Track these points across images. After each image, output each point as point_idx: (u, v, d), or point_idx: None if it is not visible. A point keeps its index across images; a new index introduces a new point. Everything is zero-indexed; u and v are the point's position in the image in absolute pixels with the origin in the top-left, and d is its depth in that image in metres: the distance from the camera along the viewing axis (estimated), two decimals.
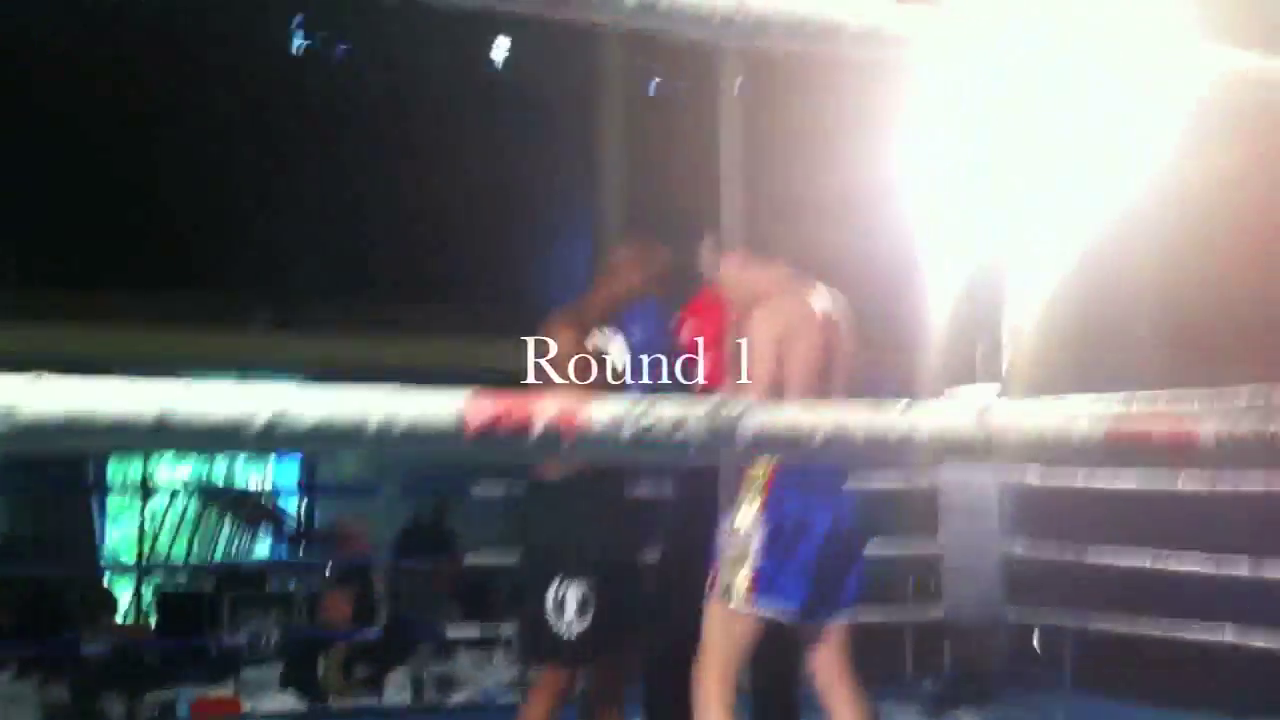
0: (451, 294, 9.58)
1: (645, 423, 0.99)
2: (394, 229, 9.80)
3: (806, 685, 3.51)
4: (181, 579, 9.45)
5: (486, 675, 6.91)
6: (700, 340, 3.43)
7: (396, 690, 6.97)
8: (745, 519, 3.27)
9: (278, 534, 10.39)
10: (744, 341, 3.30)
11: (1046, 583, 6.62)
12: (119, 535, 10.28)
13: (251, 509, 10.48)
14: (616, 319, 3.54)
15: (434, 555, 8.26)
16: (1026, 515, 6.46)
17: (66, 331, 8.11)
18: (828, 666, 3.37)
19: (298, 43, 10.34)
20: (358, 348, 8.61)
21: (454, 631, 6.93)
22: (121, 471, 10.27)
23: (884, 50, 1.22)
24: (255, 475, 10.93)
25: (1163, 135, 5.69)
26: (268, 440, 0.90)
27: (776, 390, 3.27)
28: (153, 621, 8.66)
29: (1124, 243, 6.78)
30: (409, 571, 8.05)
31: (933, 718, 5.94)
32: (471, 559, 7.38)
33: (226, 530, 10.37)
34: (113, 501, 10.30)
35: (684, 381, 3.43)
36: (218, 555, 10.12)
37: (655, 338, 3.45)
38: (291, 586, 8.83)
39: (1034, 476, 6.20)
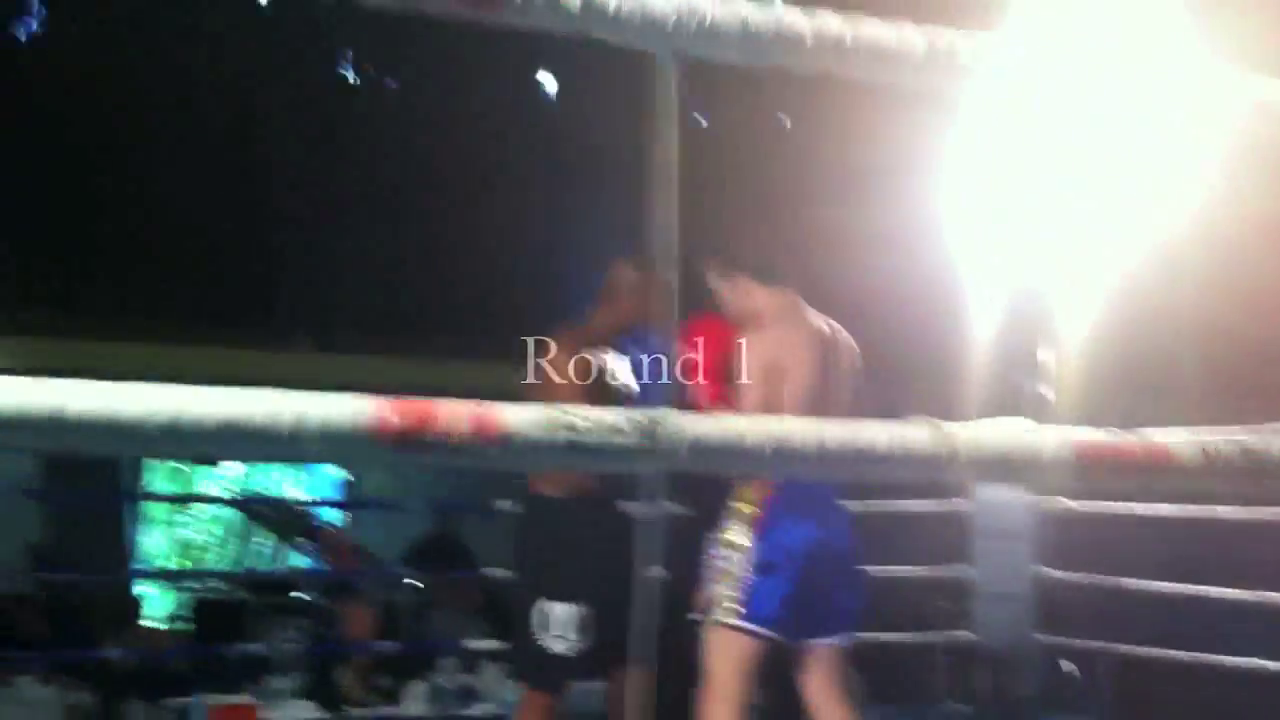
0: (489, 320, 9.57)
1: (578, 429, 0.94)
2: (435, 256, 9.81)
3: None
4: (210, 587, 9.46)
5: (508, 688, 6.86)
6: (700, 363, 3.37)
7: (416, 702, 6.95)
8: (737, 535, 3.24)
9: (310, 546, 10.40)
10: (742, 363, 3.26)
11: (1081, 609, 6.52)
12: (150, 543, 10.33)
13: (285, 521, 10.51)
14: (619, 341, 3.48)
15: (448, 569, 8.26)
16: (1062, 541, 6.36)
17: (107, 352, 8.16)
18: (821, 688, 3.32)
19: (348, 76, 10.41)
20: (398, 371, 8.62)
21: (475, 644, 6.88)
22: (155, 480, 10.34)
23: (934, 78, 1.16)
24: (292, 487, 10.97)
25: (1207, 166, 5.60)
26: (169, 440, 0.86)
27: (768, 412, 3.22)
28: (179, 628, 8.69)
29: (1169, 278, 6.69)
30: (424, 585, 8.04)
31: None
32: (492, 573, 7.33)
33: (257, 540, 10.40)
34: (145, 510, 10.36)
35: (686, 404, 3.37)
36: (246, 564, 10.15)
37: (656, 361, 3.40)
38: (317, 598, 8.83)
39: (1071, 501, 6.11)
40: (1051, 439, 1.08)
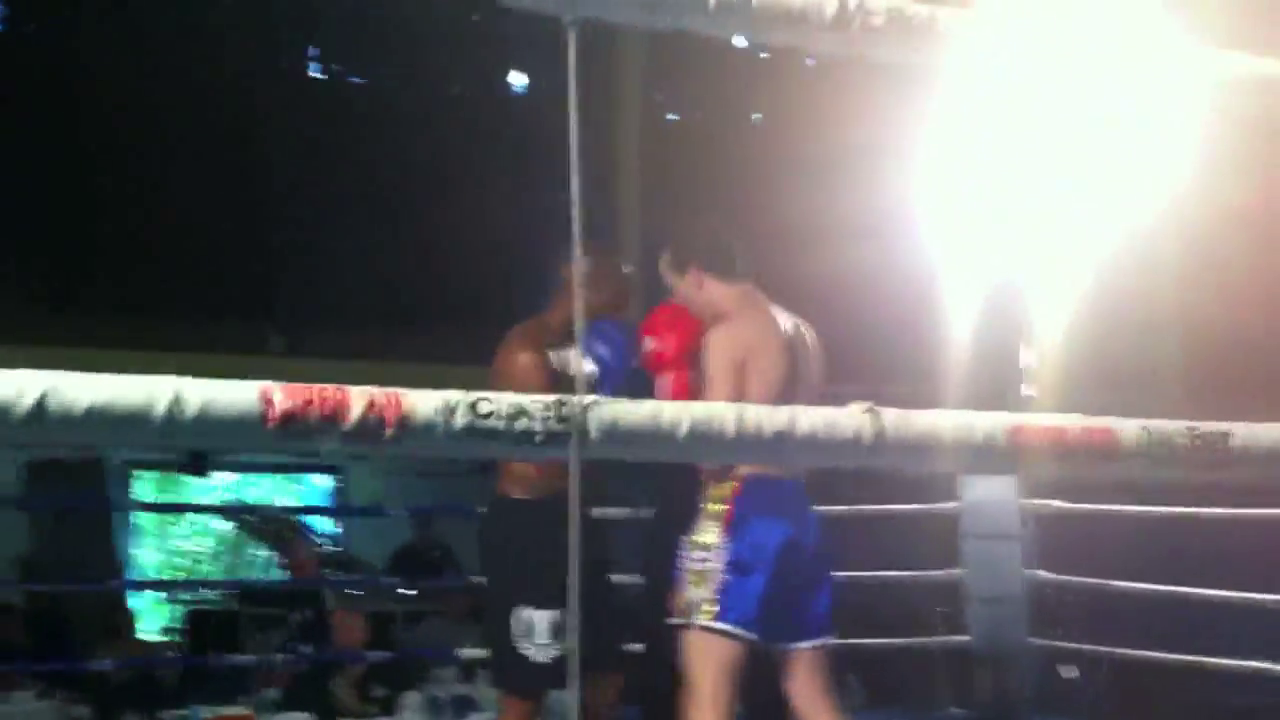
0: (463, 319, 9.51)
1: (480, 412, 0.90)
2: (408, 254, 9.74)
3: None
4: (203, 598, 9.42)
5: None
6: (665, 356, 3.31)
7: (412, 712, 6.89)
8: (708, 536, 3.19)
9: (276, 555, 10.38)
10: (706, 361, 3.21)
11: (1073, 610, 6.47)
12: (141, 555, 10.28)
13: (277, 530, 10.47)
14: (578, 337, 3.39)
15: (430, 576, 8.24)
16: (1052, 542, 6.31)
17: (81, 356, 8.07)
18: (805, 692, 3.27)
19: (313, 71, 10.35)
20: (371, 373, 8.52)
21: (469, 653, 6.81)
22: (147, 490, 10.30)
23: (909, 49, 1.12)
24: (284, 497, 10.94)
25: (1183, 156, 5.56)
26: (39, 423, 0.82)
27: (736, 394, 3.18)
28: (174, 639, 8.65)
29: (1148, 272, 6.64)
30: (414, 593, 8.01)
31: None
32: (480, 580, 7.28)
33: (251, 550, 10.36)
34: (136, 521, 10.32)
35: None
36: (240, 575, 10.11)
37: (619, 355, 3.33)
38: (310, 608, 8.79)
39: (1060, 502, 6.06)
40: (984, 422, 1.03)
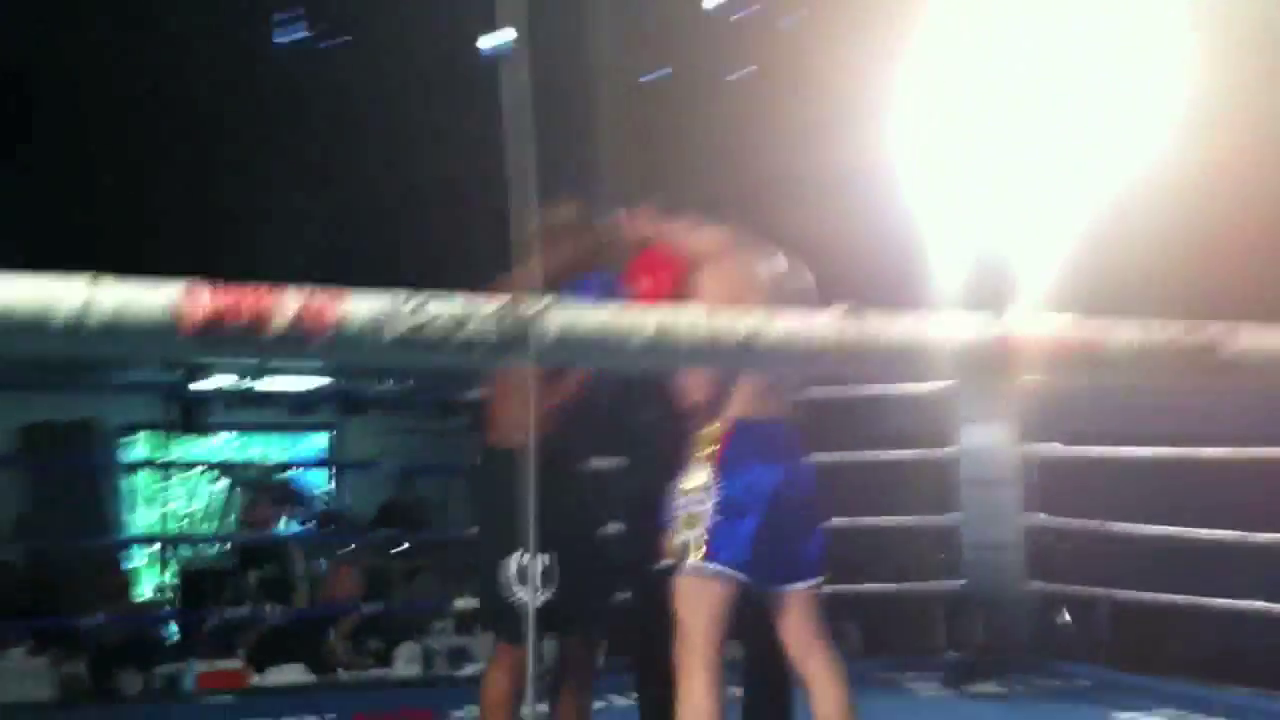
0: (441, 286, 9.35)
1: (418, 320, 0.83)
2: (381, 221, 9.62)
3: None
4: (199, 554, 9.39)
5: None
6: (648, 298, 3.23)
7: (407, 663, 6.88)
8: (697, 480, 3.14)
9: (298, 511, 10.36)
10: (698, 301, 3.14)
11: (1071, 555, 6.43)
12: (138, 511, 10.26)
13: (272, 487, 10.46)
14: (559, 290, 3.32)
15: (413, 530, 8.26)
16: (1050, 487, 6.27)
17: None
18: (799, 635, 3.22)
19: (282, 36, 10.19)
20: None
21: (463, 604, 6.79)
22: (142, 448, 10.28)
23: None
24: (279, 453, 10.91)
25: (1164, 116, 5.48)
26: None
27: None
28: (168, 597, 8.64)
29: (1128, 233, 6.56)
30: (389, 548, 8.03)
31: (954, 688, 5.79)
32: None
33: (245, 506, 10.34)
34: (132, 478, 10.30)
35: None
36: (234, 531, 10.10)
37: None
38: (307, 563, 8.78)
39: (1058, 448, 6.02)
40: (971, 325, 0.96)
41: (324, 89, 9.59)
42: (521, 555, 3.35)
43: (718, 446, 3.14)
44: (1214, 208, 6.00)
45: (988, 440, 6.10)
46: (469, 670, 6.78)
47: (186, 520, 10.37)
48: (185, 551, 9.47)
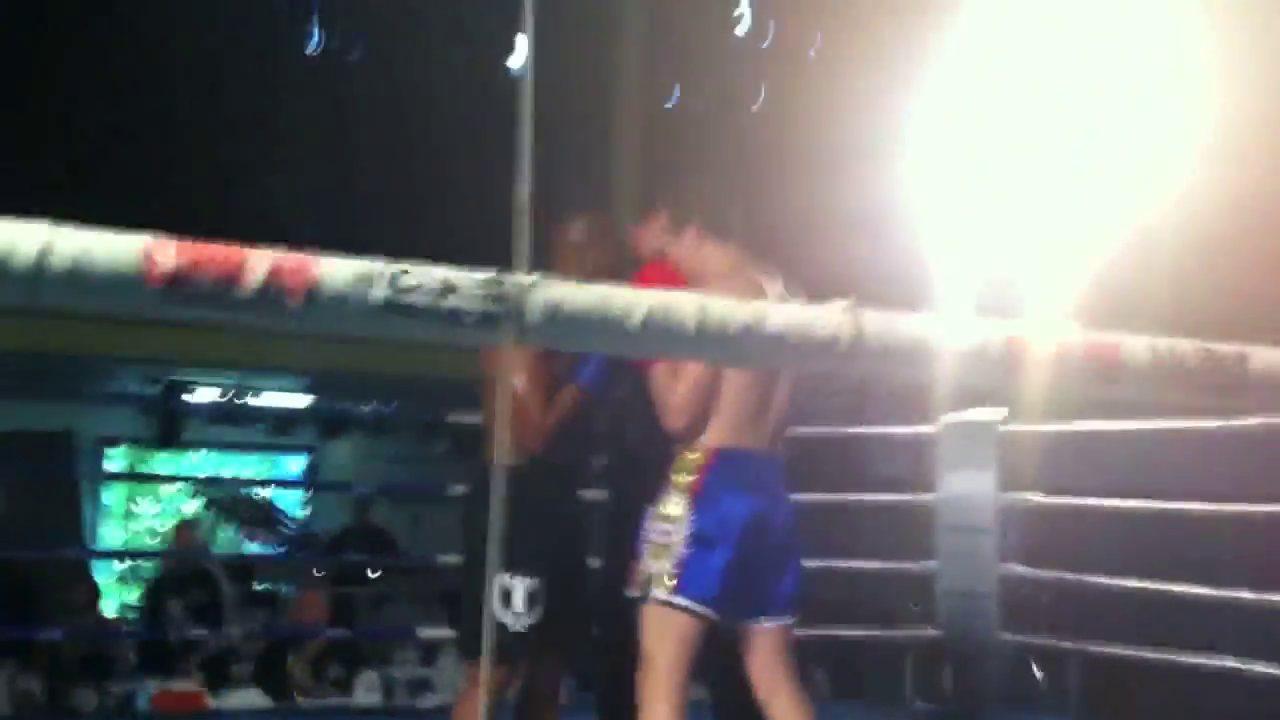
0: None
1: (402, 286, 0.78)
2: (403, 231, 9.58)
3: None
4: (167, 571, 9.26)
5: (462, 678, 6.70)
6: None
7: (368, 691, 6.78)
8: (671, 509, 3.07)
9: (270, 533, 10.28)
10: None
11: (1046, 605, 6.38)
12: (110, 525, 10.13)
13: (247, 508, 10.37)
14: None
15: (372, 554, 8.18)
16: (1028, 536, 6.22)
17: (62, 329, 7.93)
18: (767, 672, 3.14)
19: (314, 43, 10.19)
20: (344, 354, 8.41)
21: (429, 633, 6.69)
22: (117, 461, 10.17)
23: None
24: (255, 473, 10.81)
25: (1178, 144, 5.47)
26: None
27: (712, 378, 3.08)
28: (132, 612, 8.52)
29: (1138, 265, 6.54)
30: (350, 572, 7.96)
31: None
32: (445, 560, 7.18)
33: (219, 526, 10.24)
34: (104, 490, 10.18)
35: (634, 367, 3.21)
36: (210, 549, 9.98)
37: None
38: (274, 585, 8.70)
39: (1037, 496, 5.97)
40: (978, 328, 0.91)
41: (351, 97, 9.55)
42: (506, 578, 3.29)
43: (695, 475, 3.08)
44: (1234, 222, 5.96)
45: (968, 487, 6.05)
46: (430, 702, 6.70)
47: (159, 537, 10.23)
48: (150, 568, 9.35)
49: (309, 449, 10.46)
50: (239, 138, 9.28)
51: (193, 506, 10.20)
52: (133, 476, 10.25)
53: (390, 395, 9.00)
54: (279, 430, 9.54)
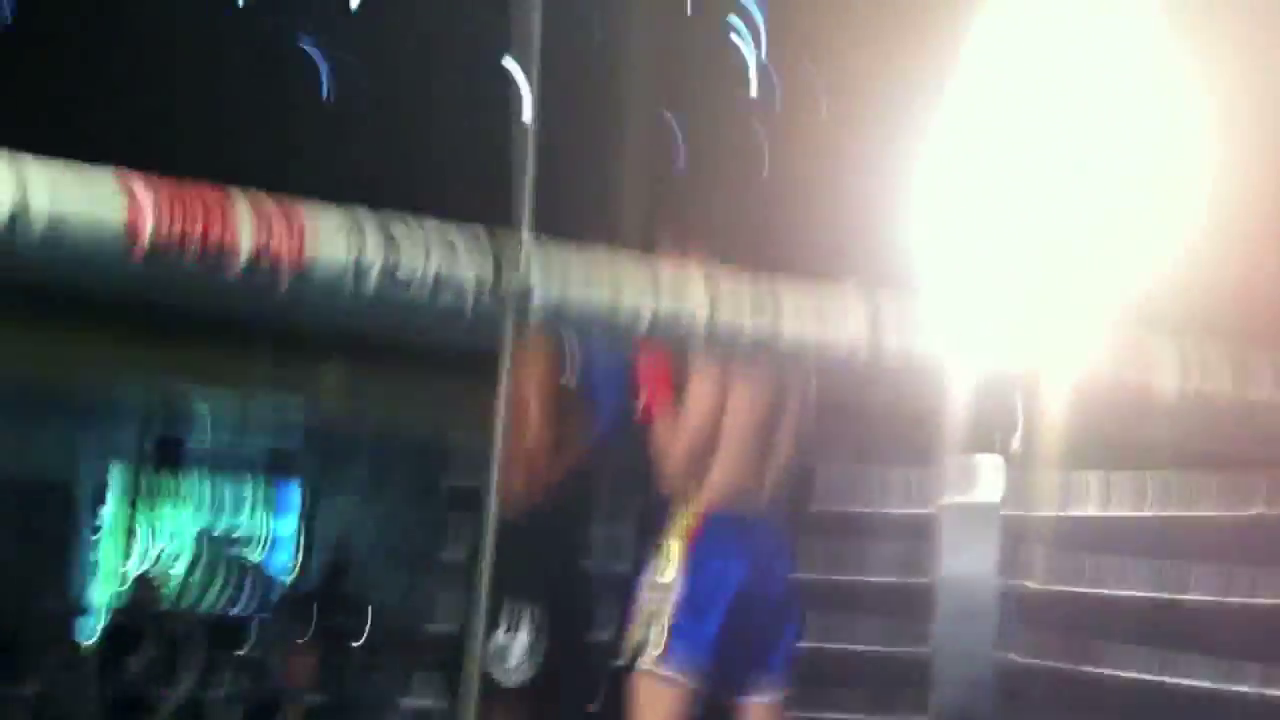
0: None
1: (399, 277, 0.74)
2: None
3: None
4: (158, 623, 9.13)
5: None
6: (651, 374, 3.15)
7: None
8: (663, 574, 3.01)
9: (262, 590, 10.18)
10: (691, 381, 3.06)
11: (1044, 692, 6.26)
12: (100, 570, 9.99)
13: (240, 565, 10.29)
14: (586, 357, 3.31)
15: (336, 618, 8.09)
16: (1026, 620, 6.13)
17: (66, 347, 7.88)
18: None
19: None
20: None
21: (414, 701, 6.57)
22: (114, 509, 10.08)
23: None
24: (251, 528, 10.69)
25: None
26: None
27: (712, 436, 3.03)
28: (122, 660, 8.38)
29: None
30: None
31: None
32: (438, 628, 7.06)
33: (211, 580, 10.14)
34: (98, 538, 10.08)
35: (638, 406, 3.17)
36: (198, 604, 9.88)
37: (619, 376, 3.20)
38: (263, 644, 8.58)
39: (1035, 581, 5.89)
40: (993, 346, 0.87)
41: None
42: (506, 621, 3.28)
43: (687, 539, 3.01)
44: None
45: (967, 569, 5.97)
46: None
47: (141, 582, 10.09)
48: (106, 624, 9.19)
49: (301, 507, 10.35)
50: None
51: (180, 564, 10.09)
52: (125, 532, 10.14)
53: (388, 456, 8.94)
54: (271, 484, 9.46)
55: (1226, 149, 4.49)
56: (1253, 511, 4.97)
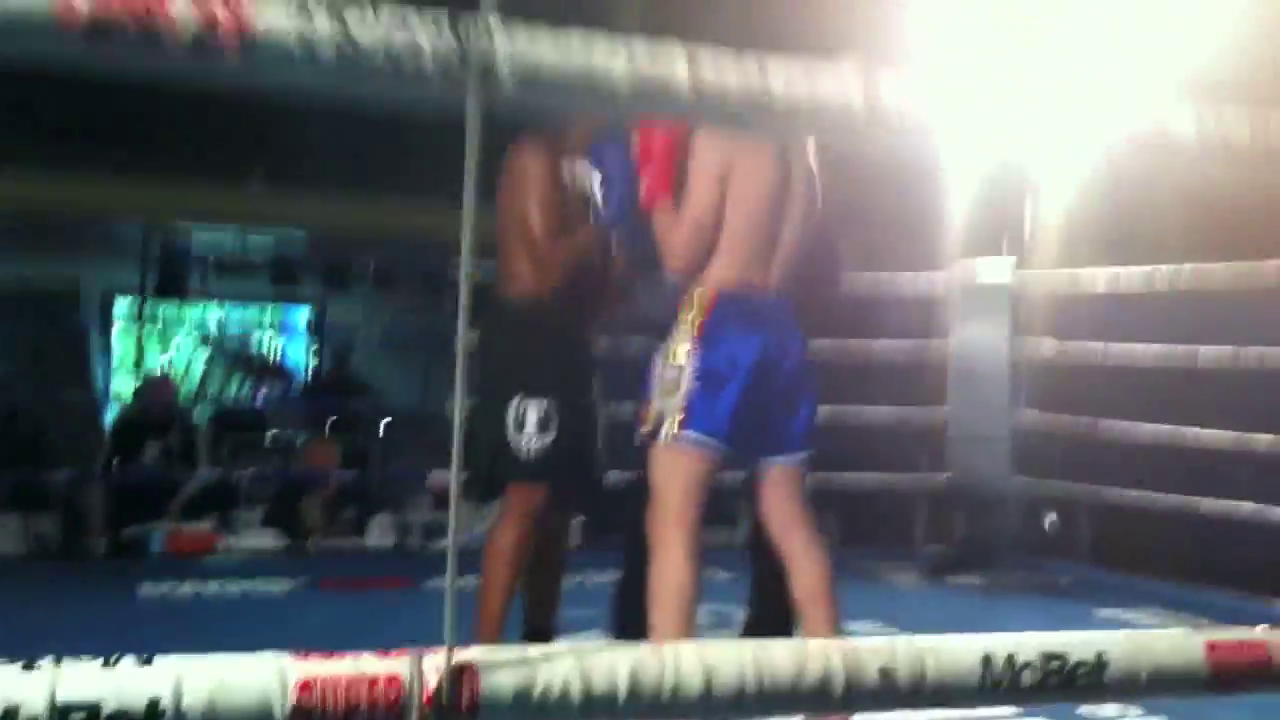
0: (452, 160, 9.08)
1: (354, 38, 0.68)
2: None
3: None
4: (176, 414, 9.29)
5: (476, 521, 6.72)
6: (655, 162, 3.09)
7: (381, 534, 6.83)
8: (678, 347, 3.00)
9: (277, 382, 10.30)
10: (692, 161, 3.00)
11: (1059, 455, 6.34)
12: (119, 375, 10.13)
13: (255, 360, 10.39)
14: (589, 148, 3.27)
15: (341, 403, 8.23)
16: (1040, 389, 6.16)
17: (67, 184, 7.82)
18: (780, 511, 3.09)
19: None
20: (354, 212, 8.27)
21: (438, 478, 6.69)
22: (125, 313, 10.14)
23: None
24: (263, 322, 10.76)
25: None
26: None
27: (716, 215, 3.00)
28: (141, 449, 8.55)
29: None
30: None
31: (933, 581, 5.73)
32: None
33: (228, 373, 10.26)
34: (114, 342, 10.17)
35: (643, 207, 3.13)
36: (215, 397, 10.02)
37: (626, 167, 3.14)
38: (284, 431, 8.73)
39: (1049, 349, 5.90)
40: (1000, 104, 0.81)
41: None
42: (520, 401, 3.33)
43: (701, 315, 3.00)
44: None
45: (980, 335, 5.98)
46: (443, 544, 6.75)
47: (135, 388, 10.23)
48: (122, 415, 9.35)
49: (313, 302, 10.39)
50: None
51: (201, 356, 10.20)
52: (139, 330, 10.22)
53: (396, 249, 8.91)
54: (281, 281, 9.47)
55: None
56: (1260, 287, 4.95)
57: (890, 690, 1.15)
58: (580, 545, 6.85)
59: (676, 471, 2.97)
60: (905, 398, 6.31)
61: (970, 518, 6.05)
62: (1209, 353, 5.25)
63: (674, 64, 0.74)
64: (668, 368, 3.00)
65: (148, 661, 0.90)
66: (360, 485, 7.19)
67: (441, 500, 6.99)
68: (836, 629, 3.00)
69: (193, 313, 10.36)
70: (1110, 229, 6.40)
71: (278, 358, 10.51)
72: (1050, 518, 6.56)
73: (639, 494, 3.18)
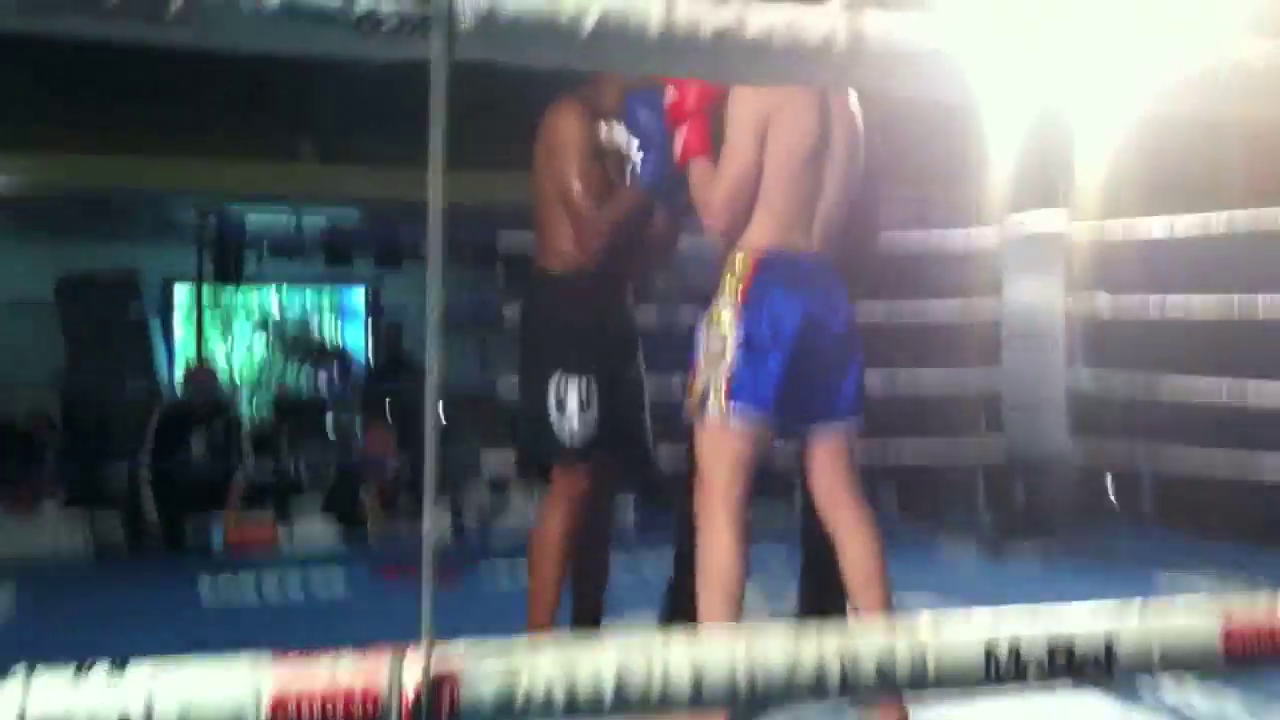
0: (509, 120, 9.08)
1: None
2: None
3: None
4: (238, 407, 9.34)
5: (531, 504, 6.72)
6: (679, 107, 3.01)
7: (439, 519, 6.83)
8: (721, 315, 2.92)
9: (337, 370, 10.32)
10: (728, 116, 2.91)
11: (1117, 417, 6.22)
12: (178, 362, 10.19)
13: (314, 345, 10.42)
14: (624, 105, 3.17)
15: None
16: (1095, 348, 6.04)
17: (118, 161, 7.86)
18: (828, 481, 2.99)
19: None
20: (404, 183, 8.24)
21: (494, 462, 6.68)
22: (183, 301, 10.20)
23: None
24: (321, 308, 10.80)
25: None
26: None
27: (754, 172, 2.91)
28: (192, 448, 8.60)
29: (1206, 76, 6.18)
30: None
31: (992, 550, 5.64)
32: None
33: (287, 363, 10.30)
34: (176, 329, 10.25)
35: (680, 164, 3.05)
36: (276, 383, 10.07)
37: (661, 123, 3.06)
38: (342, 420, 8.75)
39: (1104, 304, 5.77)
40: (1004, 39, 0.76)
41: None
42: (560, 379, 3.24)
43: (742, 281, 2.91)
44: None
45: (1034, 291, 5.85)
46: (500, 525, 6.76)
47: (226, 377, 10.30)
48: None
49: (368, 281, 10.40)
50: None
51: (260, 342, 10.25)
52: (197, 318, 10.27)
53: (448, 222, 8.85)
54: (336, 262, 9.45)
55: None
56: None
57: (888, 680, 1.10)
58: (633, 523, 6.86)
59: (722, 448, 2.89)
60: (958, 360, 6.21)
61: (1029, 484, 5.93)
62: (1270, 302, 5.12)
63: (648, 12, 0.70)
64: (713, 337, 2.92)
65: (121, 667, 0.88)
66: (417, 470, 7.20)
67: (498, 484, 6.99)
68: (888, 613, 2.90)
69: (250, 298, 10.41)
70: (1160, 175, 6.27)
71: (337, 341, 10.54)
72: (1108, 482, 6.45)
73: (687, 470, 3.13)
